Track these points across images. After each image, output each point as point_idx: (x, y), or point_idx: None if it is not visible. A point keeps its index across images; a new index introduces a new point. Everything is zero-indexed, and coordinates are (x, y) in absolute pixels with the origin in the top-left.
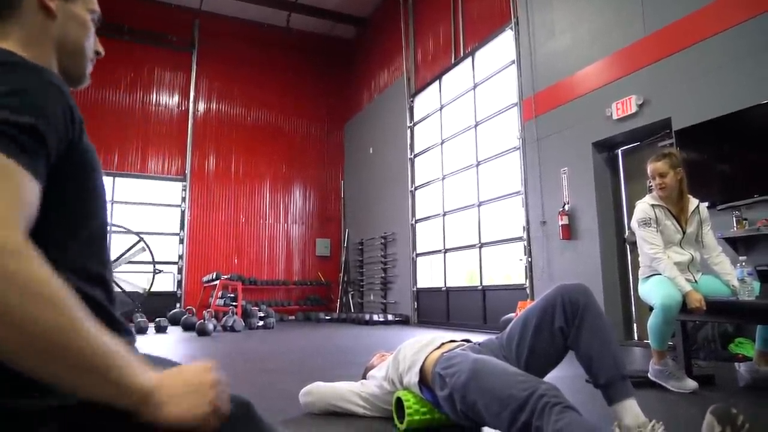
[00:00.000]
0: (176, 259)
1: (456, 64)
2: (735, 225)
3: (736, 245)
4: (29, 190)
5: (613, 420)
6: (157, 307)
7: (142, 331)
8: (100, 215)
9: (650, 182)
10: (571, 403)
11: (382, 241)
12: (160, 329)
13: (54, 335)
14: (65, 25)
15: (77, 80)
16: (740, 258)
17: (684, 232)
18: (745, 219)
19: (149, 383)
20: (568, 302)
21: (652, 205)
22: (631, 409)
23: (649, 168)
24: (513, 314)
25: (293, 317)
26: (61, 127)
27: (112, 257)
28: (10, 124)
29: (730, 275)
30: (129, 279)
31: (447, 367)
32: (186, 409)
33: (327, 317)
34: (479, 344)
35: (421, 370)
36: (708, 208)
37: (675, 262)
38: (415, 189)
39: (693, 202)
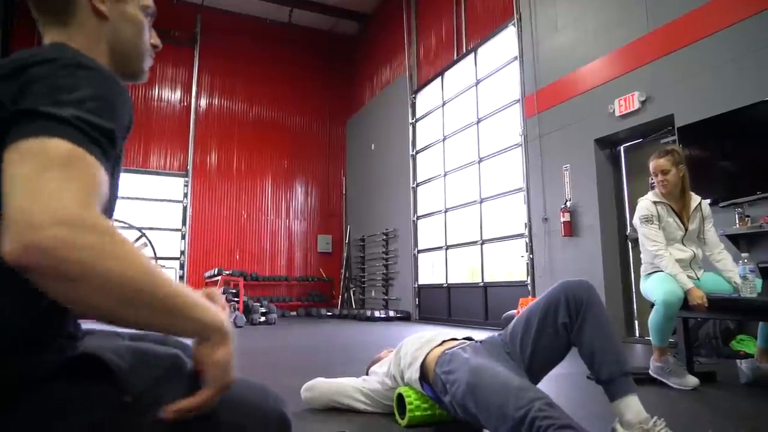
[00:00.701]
0: (178, 255)
1: (458, 60)
2: (737, 222)
3: (739, 242)
4: (102, 177)
5: (615, 416)
6: None
7: None
8: (113, 206)
9: (652, 179)
10: (565, 417)
11: (384, 237)
12: None
13: (139, 290)
14: (118, 26)
15: (133, 77)
16: (742, 255)
17: (686, 229)
18: (748, 216)
19: (220, 321)
20: (572, 298)
21: (654, 202)
22: (632, 405)
23: (651, 165)
24: (514, 311)
25: (294, 313)
26: (125, 132)
27: None
28: (93, 126)
29: (732, 272)
30: None
31: (447, 372)
32: (228, 365)
33: (328, 313)
34: (481, 342)
35: (422, 367)
36: (710, 205)
37: (677, 259)
38: (417, 185)
39: (695, 199)
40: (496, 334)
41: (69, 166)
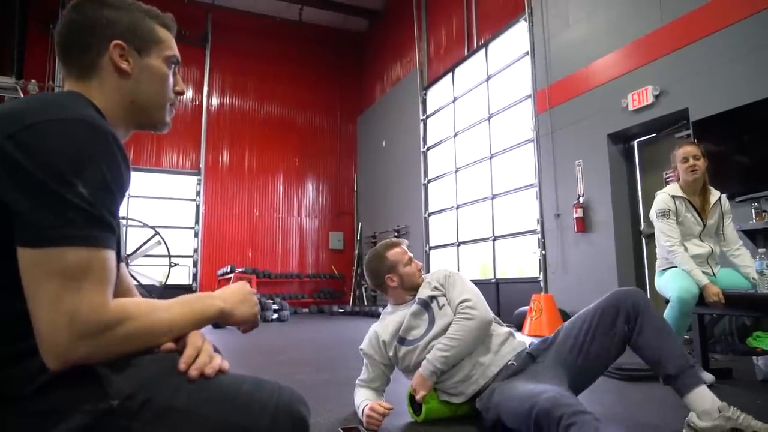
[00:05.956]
0: (191, 253)
1: (469, 56)
2: (754, 217)
3: (755, 238)
4: (112, 261)
5: (689, 411)
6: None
7: None
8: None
9: (667, 174)
10: (576, 404)
11: (395, 234)
12: None
13: (163, 335)
14: (140, 81)
15: (152, 127)
16: (759, 250)
17: (704, 225)
18: (765, 211)
19: (220, 304)
20: (631, 307)
21: (673, 197)
22: (706, 395)
23: (681, 152)
24: (526, 308)
25: (307, 310)
26: (124, 195)
27: (129, 251)
28: (105, 222)
29: (749, 268)
30: (145, 272)
31: (485, 409)
32: (244, 312)
33: (340, 310)
34: (534, 356)
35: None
36: (727, 199)
37: (694, 254)
38: (428, 182)
39: (715, 194)
40: (540, 342)
41: (86, 274)
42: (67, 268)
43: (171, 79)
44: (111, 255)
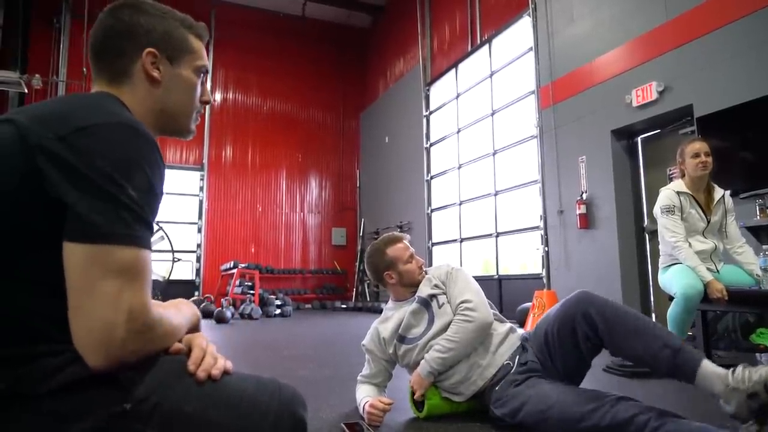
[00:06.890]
0: (194, 248)
1: (472, 51)
2: (758, 213)
3: (759, 234)
4: (150, 261)
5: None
6: (176, 295)
7: None
8: None
9: (671, 170)
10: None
11: (398, 230)
12: None
13: (177, 337)
14: (170, 89)
15: (178, 134)
16: (763, 247)
17: (708, 221)
18: None
19: (199, 314)
20: (585, 324)
21: (677, 193)
22: (709, 375)
23: (691, 147)
24: (529, 304)
25: (309, 305)
26: (162, 198)
27: None
28: (148, 224)
29: (753, 265)
30: None
31: (510, 414)
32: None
33: (343, 306)
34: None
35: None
36: (730, 196)
37: (697, 250)
38: (431, 178)
39: (718, 191)
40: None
41: (139, 273)
42: (124, 266)
43: (199, 89)
44: (150, 252)
